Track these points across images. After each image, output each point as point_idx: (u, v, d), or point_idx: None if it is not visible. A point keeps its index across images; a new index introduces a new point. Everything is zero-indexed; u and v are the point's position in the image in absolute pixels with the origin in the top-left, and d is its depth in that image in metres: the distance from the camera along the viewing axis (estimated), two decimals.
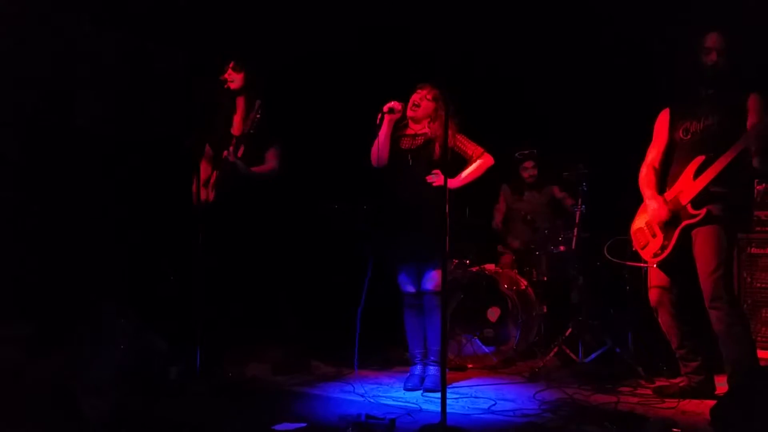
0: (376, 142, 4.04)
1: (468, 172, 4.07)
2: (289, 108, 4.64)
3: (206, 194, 4.19)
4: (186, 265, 4.18)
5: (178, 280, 4.54)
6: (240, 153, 4.07)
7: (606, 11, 5.09)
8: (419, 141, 4.09)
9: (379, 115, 4.00)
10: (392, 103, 4.01)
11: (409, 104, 4.06)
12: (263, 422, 3.13)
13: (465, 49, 5.18)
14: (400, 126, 4.14)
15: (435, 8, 5.26)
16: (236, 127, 4.23)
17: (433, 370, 3.99)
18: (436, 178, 3.96)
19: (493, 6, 5.28)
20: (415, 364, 4.07)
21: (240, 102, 4.25)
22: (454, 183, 4.00)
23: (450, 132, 4.05)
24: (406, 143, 4.12)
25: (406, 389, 3.94)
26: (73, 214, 5.11)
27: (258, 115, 3.99)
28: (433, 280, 3.95)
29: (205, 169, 4.29)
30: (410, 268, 4.04)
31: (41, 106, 5.15)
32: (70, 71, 5.27)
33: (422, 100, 4.06)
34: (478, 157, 4.08)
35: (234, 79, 4.18)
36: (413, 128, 4.14)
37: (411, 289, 4.05)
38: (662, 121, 3.84)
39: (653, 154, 3.84)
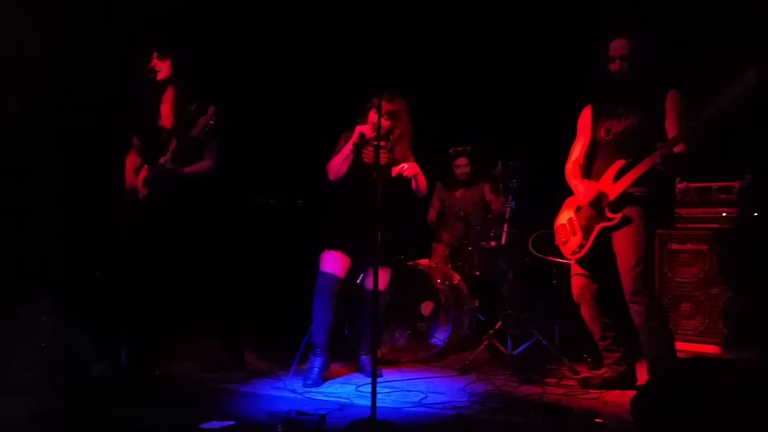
0: (335, 161, 3.99)
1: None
2: (221, 100, 4.54)
3: (135, 185, 4.09)
4: (114, 260, 4.07)
5: (105, 275, 4.42)
6: (173, 147, 3.98)
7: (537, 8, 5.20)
8: (383, 159, 3.99)
9: (351, 143, 3.94)
10: (362, 129, 3.96)
11: (367, 125, 3.98)
12: (190, 421, 3.06)
13: (399, 45, 5.19)
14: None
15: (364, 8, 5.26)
16: (165, 118, 4.13)
17: (368, 360, 4.07)
18: (405, 171, 3.97)
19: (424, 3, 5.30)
20: (317, 356, 3.94)
21: (169, 92, 4.14)
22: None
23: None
24: (368, 155, 4.04)
25: (307, 386, 3.79)
26: None
27: (212, 122, 3.89)
28: (383, 281, 4.02)
29: (133, 160, 4.18)
30: (348, 258, 3.98)
31: None
32: None
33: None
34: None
35: (161, 68, 4.07)
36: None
37: (340, 274, 3.95)
38: (585, 118, 3.92)
39: (577, 151, 3.92)
